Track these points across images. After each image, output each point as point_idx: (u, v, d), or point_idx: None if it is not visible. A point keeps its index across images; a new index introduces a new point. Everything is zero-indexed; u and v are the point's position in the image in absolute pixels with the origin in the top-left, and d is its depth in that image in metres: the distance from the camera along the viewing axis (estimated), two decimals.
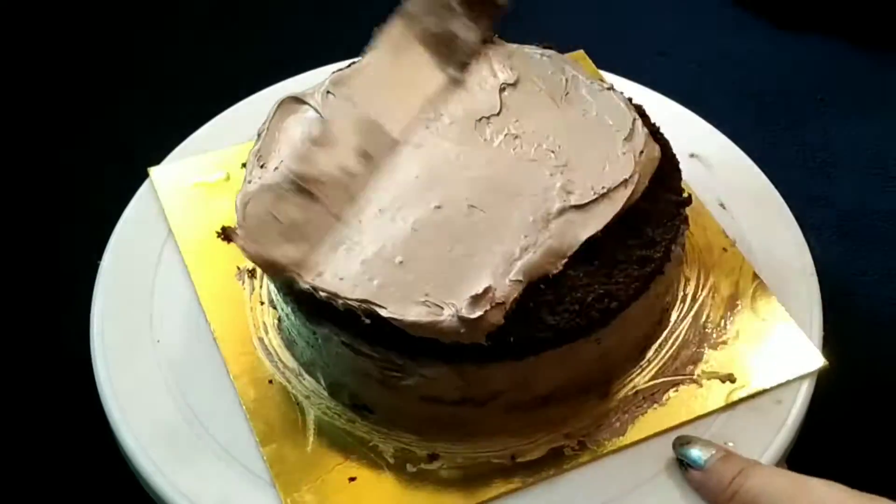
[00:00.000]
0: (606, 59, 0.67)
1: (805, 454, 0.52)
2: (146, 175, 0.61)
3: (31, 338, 0.63)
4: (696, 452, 0.47)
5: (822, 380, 0.52)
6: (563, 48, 0.68)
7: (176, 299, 0.56)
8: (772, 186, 0.61)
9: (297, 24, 0.84)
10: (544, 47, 0.59)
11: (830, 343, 0.54)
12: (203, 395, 0.52)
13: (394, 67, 0.56)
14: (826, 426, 0.55)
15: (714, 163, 0.62)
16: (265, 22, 0.85)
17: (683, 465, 0.48)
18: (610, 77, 0.66)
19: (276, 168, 0.50)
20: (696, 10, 0.85)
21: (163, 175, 0.61)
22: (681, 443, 0.48)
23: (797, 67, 0.80)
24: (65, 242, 0.68)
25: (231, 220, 0.49)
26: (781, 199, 0.60)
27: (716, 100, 0.76)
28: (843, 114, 0.76)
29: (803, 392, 0.52)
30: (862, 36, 0.82)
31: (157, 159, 0.62)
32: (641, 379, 0.52)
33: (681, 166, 0.54)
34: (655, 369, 0.52)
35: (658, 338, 0.53)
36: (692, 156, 0.61)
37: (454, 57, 0.56)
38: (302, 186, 0.49)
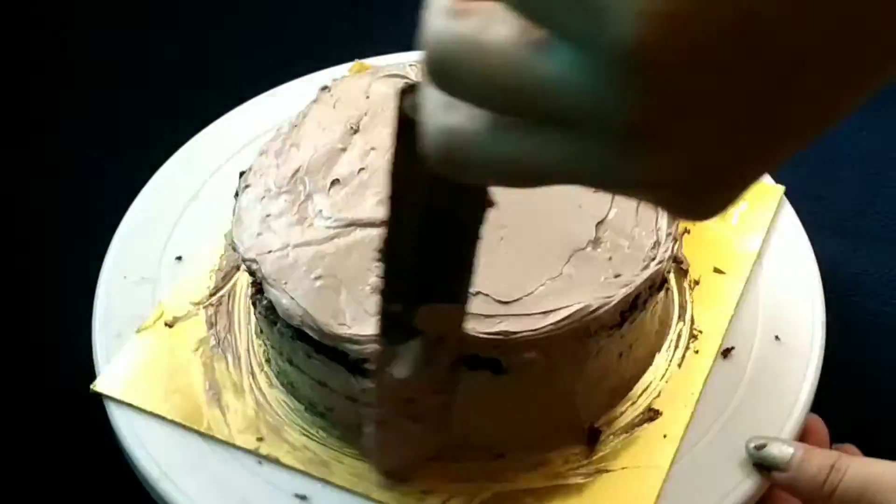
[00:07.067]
0: None
1: None
2: (147, 175, 0.62)
3: (32, 339, 0.63)
4: (777, 454, 0.46)
5: (823, 380, 0.52)
6: None
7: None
8: (774, 185, 0.61)
9: (297, 24, 0.83)
10: None
11: (831, 343, 0.54)
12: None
13: None
14: (826, 426, 0.55)
15: None
16: (265, 22, 0.85)
17: (763, 468, 0.46)
18: None
19: None
20: None
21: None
22: (756, 446, 0.47)
23: None
24: (65, 242, 0.68)
25: None
26: (784, 198, 0.60)
27: None
28: None
29: (806, 390, 0.52)
30: None
31: (158, 160, 0.63)
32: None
33: None
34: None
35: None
36: None
37: None
38: None
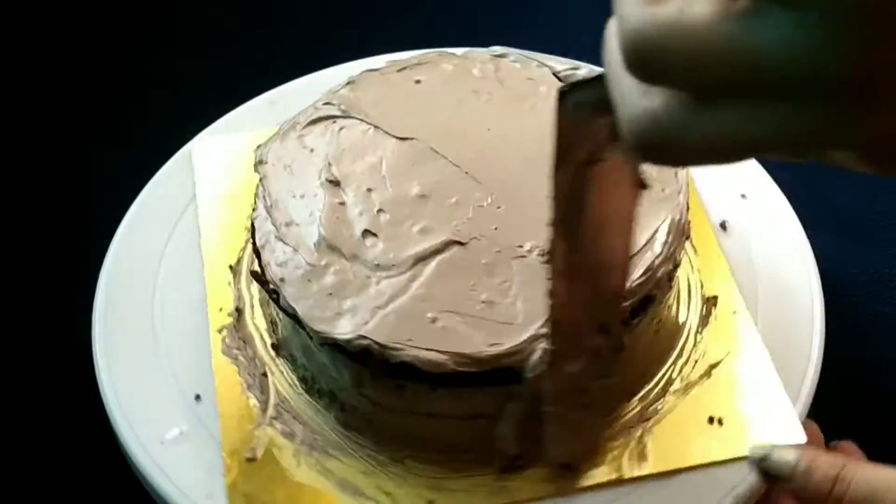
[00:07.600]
0: None
1: None
2: (147, 175, 0.62)
3: (32, 339, 0.63)
4: (781, 463, 0.44)
5: (823, 380, 0.52)
6: (563, 48, 0.68)
7: (179, 298, 0.56)
8: (773, 184, 0.61)
9: (297, 24, 0.83)
10: None
11: (830, 343, 0.54)
12: (207, 393, 0.52)
13: None
14: (826, 427, 0.55)
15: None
16: (265, 22, 0.84)
17: (768, 476, 0.45)
18: None
19: None
20: None
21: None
22: (759, 457, 0.45)
23: None
24: (65, 243, 0.68)
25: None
26: (783, 197, 0.60)
27: None
28: None
29: (806, 390, 0.52)
30: None
31: (159, 160, 0.63)
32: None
33: None
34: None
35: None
36: None
37: None
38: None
